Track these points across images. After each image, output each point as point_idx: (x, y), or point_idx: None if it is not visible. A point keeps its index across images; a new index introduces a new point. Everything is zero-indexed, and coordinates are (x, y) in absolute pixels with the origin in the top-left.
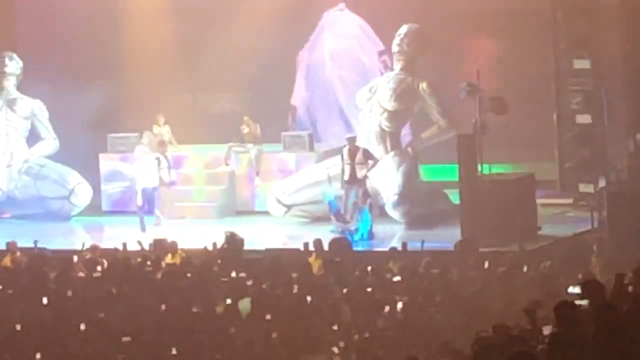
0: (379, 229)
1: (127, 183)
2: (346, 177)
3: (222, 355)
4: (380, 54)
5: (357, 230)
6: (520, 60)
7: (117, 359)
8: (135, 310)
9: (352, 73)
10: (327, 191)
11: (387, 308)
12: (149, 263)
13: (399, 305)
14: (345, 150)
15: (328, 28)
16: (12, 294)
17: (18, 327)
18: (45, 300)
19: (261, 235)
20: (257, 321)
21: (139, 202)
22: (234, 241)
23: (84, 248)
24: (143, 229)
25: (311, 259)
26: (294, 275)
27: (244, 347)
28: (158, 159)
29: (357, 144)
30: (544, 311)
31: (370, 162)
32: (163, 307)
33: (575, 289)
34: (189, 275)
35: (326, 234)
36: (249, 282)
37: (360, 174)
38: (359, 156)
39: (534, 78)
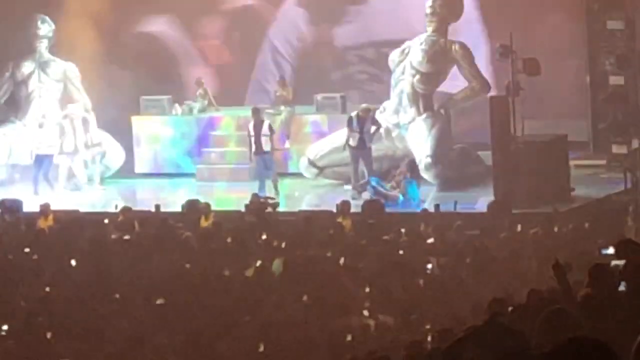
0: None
1: (159, 145)
2: (354, 144)
3: (252, 317)
4: None
5: (402, 202)
6: (553, 22)
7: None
8: (167, 273)
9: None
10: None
11: (419, 270)
12: (181, 225)
13: (431, 267)
14: (354, 117)
15: None
16: (45, 255)
17: (47, 289)
18: (77, 262)
19: (294, 197)
20: (288, 283)
21: None
22: (264, 204)
23: (117, 210)
24: None
25: (340, 219)
26: (327, 237)
27: (275, 310)
28: None
29: (390, 105)
30: (576, 273)
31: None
32: (194, 269)
33: (609, 250)
34: (226, 239)
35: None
36: (282, 244)
37: (368, 142)
38: (367, 124)
39: (567, 40)
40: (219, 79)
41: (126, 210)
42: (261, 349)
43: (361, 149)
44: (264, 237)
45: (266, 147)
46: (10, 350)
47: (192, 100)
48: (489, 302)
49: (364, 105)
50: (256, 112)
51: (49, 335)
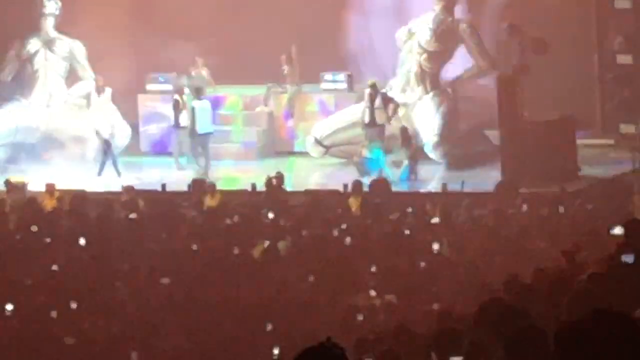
0: (419, 169)
1: (166, 124)
2: (366, 120)
3: (259, 297)
4: None
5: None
6: (560, 2)
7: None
8: (173, 252)
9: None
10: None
11: (426, 250)
12: (186, 204)
13: (438, 246)
14: (367, 94)
15: None
16: (51, 234)
17: (55, 267)
18: (83, 241)
19: (300, 176)
20: (294, 263)
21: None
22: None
23: (122, 189)
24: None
25: (350, 199)
26: (333, 216)
27: (281, 289)
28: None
29: (397, 83)
30: (584, 253)
31: (391, 105)
32: (200, 248)
33: (617, 230)
34: (232, 217)
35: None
36: (289, 224)
37: (380, 119)
38: (377, 101)
39: (575, 18)
40: (224, 56)
41: (130, 189)
42: (269, 328)
43: (371, 126)
44: (270, 216)
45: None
46: (14, 329)
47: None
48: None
49: (370, 81)
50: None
51: (53, 314)
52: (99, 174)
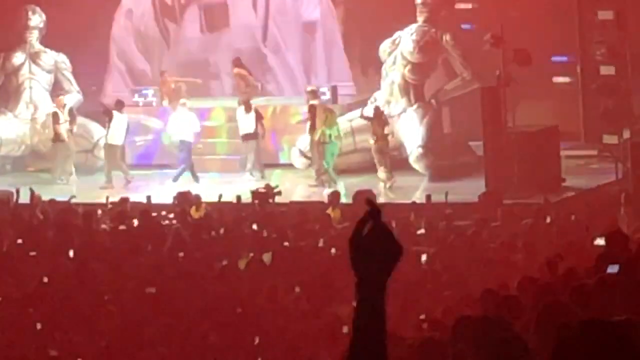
0: (403, 181)
1: (151, 136)
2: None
3: (243, 309)
4: None
5: None
6: (544, 12)
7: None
8: (159, 263)
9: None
10: None
11: (410, 260)
12: (172, 216)
13: (423, 257)
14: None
15: None
16: (37, 246)
17: (40, 279)
18: (72, 253)
19: (285, 188)
20: (280, 274)
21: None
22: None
23: (108, 201)
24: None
25: (329, 210)
26: (318, 227)
27: (266, 300)
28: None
29: (380, 95)
30: (567, 263)
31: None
32: (185, 260)
33: (600, 241)
34: (217, 230)
35: (351, 186)
36: (273, 235)
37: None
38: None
39: (558, 30)
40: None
41: (116, 201)
42: (256, 341)
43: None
44: (255, 228)
45: None
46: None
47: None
48: (481, 293)
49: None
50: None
51: (38, 326)
52: (175, 180)
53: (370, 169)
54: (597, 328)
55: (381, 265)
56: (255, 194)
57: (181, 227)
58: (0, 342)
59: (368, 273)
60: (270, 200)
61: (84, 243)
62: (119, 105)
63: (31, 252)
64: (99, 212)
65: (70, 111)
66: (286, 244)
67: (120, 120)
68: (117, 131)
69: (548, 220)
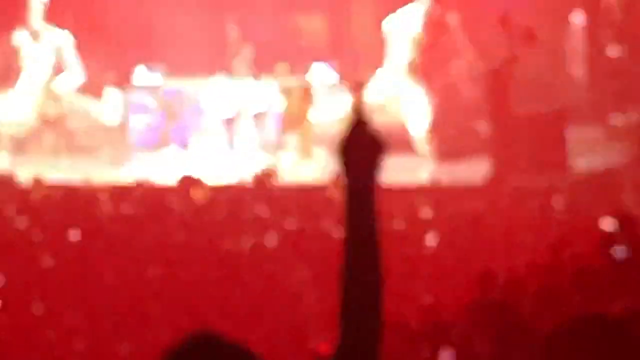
0: (408, 163)
1: (154, 117)
2: None
3: (243, 292)
4: None
5: None
6: None
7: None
8: (161, 246)
9: None
10: None
11: (416, 243)
12: (176, 198)
13: (428, 240)
14: None
15: None
16: (40, 228)
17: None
18: (74, 235)
19: (287, 170)
20: (283, 257)
21: None
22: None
23: (111, 183)
24: None
25: (330, 192)
26: (322, 209)
27: (268, 284)
28: None
29: (385, 76)
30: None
31: None
32: (188, 243)
33: (607, 223)
34: (220, 212)
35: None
36: (277, 218)
37: None
38: None
39: (563, 10)
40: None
41: (119, 182)
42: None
43: None
44: (258, 210)
45: None
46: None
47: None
48: (480, 275)
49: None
50: None
51: (37, 309)
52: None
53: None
54: (592, 323)
55: (367, 161)
56: (258, 176)
57: (184, 209)
58: (2, 325)
59: (355, 171)
60: (273, 182)
61: (85, 224)
62: (116, 82)
63: (33, 233)
64: (102, 193)
65: (69, 91)
66: (290, 226)
67: (116, 98)
68: (113, 110)
69: (554, 202)
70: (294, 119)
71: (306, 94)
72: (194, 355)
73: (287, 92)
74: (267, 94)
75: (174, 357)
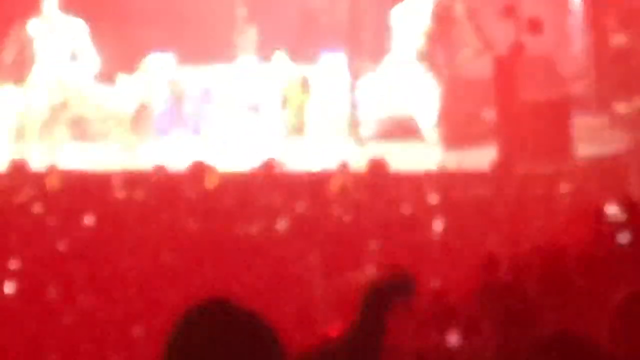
0: (416, 149)
1: (166, 104)
2: None
3: (253, 277)
4: None
5: None
6: None
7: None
8: (172, 233)
9: None
10: None
11: (423, 229)
12: (187, 184)
13: (436, 226)
14: None
15: None
16: (54, 215)
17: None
18: (88, 220)
19: (299, 156)
20: (294, 241)
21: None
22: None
23: (122, 169)
24: None
25: (334, 180)
26: (331, 195)
27: (278, 269)
28: None
29: (392, 65)
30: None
31: None
32: (199, 229)
33: (612, 210)
34: (231, 198)
35: (364, 155)
36: (288, 203)
37: None
38: None
39: None
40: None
41: (132, 168)
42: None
43: None
44: (269, 195)
45: None
46: (15, 309)
47: None
48: (482, 260)
49: None
50: None
51: (52, 293)
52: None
53: (387, 137)
54: (567, 342)
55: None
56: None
57: (196, 195)
58: (15, 308)
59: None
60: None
61: (99, 211)
62: (129, 70)
63: (48, 220)
64: (115, 179)
65: (83, 78)
66: (300, 211)
67: (129, 85)
68: (126, 97)
69: (560, 189)
70: (292, 108)
71: (304, 84)
72: (207, 321)
73: (286, 80)
74: (271, 80)
75: (187, 323)
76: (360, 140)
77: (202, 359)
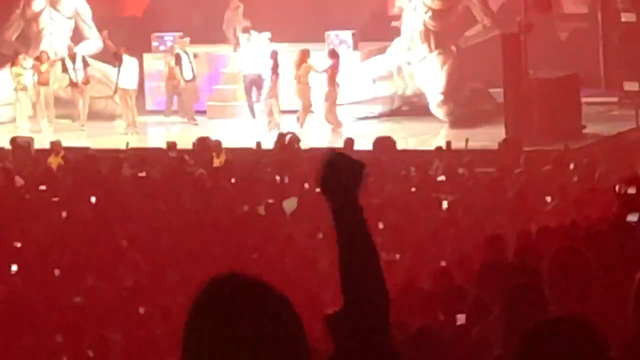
0: (424, 128)
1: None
2: None
3: (259, 255)
4: None
5: None
6: None
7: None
8: (180, 210)
9: None
10: None
11: (431, 207)
12: (192, 163)
13: (444, 204)
14: None
15: None
16: (59, 193)
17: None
18: (94, 199)
19: (305, 134)
20: (301, 221)
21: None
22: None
23: (128, 147)
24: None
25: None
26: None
27: (285, 246)
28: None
29: (401, 42)
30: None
31: None
32: (206, 206)
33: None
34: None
35: (372, 133)
36: (294, 182)
37: None
38: None
39: None
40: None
41: (136, 146)
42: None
43: None
44: (277, 174)
45: None
46: (21, 288)
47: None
48: (487, 239)
49: None
50: None
51: (57, 272)
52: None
53: (390, 115)
54: (565, 326)
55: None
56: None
57: (203, 173)
58: (23, 289)
59: (339, 193)
60: (296, 146)
61: (104, 189)
62: (133, 49)
63: (53, 198)
64: (120, 156)
65: (84, 58)
66: (309, 190)
67: (130, 64)
68: (128, 75)
69: (566, 167)
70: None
71: (304, 56)
72: (229, 292)
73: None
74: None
75: (209, 295)
76: (366, 118)
77: (226, 330)
